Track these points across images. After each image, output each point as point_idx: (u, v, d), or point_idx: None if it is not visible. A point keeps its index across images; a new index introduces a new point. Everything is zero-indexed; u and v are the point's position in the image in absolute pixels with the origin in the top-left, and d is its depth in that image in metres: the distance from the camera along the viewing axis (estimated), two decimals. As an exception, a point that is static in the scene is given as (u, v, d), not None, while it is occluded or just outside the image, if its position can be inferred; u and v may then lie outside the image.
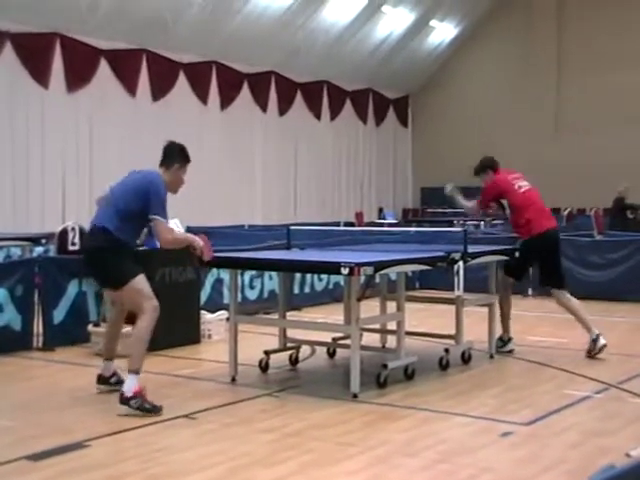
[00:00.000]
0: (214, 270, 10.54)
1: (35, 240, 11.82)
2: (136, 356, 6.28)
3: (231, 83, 23.84)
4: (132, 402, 6.14)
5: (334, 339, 8.36)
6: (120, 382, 6.68)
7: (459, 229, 9.54)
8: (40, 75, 19.08)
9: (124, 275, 6.44)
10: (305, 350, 8.40)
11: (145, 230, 9.24)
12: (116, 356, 7.01)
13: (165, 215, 6.47)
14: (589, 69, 27.14)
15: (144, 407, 6.16)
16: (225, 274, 10.20)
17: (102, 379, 6.92)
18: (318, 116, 27.30)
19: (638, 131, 26.04)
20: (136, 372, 6.24)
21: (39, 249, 11.90)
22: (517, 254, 8.79)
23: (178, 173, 6.76)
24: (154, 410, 6.17)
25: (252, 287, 11.43)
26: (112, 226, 6.47)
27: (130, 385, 6.20)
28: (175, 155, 6.77)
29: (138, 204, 6.46)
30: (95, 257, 6.60)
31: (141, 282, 6.47)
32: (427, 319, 9.98)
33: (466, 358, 8.18)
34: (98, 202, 6.93)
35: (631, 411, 6.43)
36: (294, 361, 8.09)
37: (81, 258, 9.78)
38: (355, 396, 6.68)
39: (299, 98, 26.46)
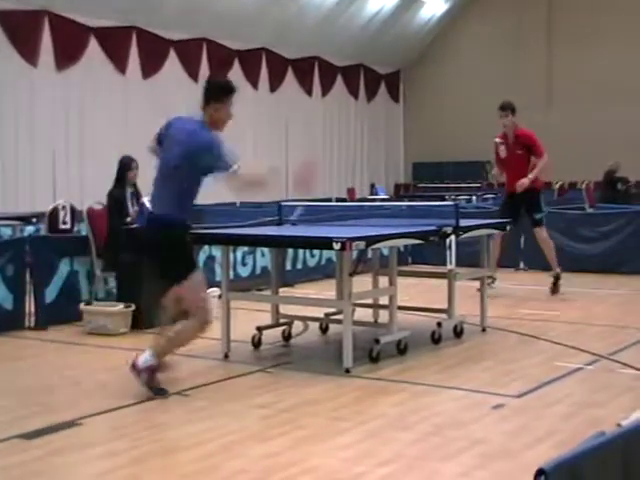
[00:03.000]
0: (206, 247, 10.54)
1: (25, 219, 11.78)
2: None
3: (222, 60, 23.67)
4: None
5: (326, 314, 8.36)
6: None
7: (451, 203, 9.50)
8: (29, 53, 18.92)
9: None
10: (298, 326, 8.41)
11: (136, 207, 9.22)
12: None
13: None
14: (580, 42, 26.98)
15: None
16: (217, 251, 10.19)
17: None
18: (309, 92, 27.19)
19: (629, 105, 25.94)
20: None
21: (30, 228, 11.86)
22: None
23: (222, 111, 6.74)
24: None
25: (244, 264, 11.42)
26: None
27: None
28: (211, 93, 6.72)
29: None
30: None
31: None
32: (419, 294, 9.99)
33: (458, 332, 8.19)
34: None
35: (622, 382, 6.46)
36: (287, 337, 8.10)
37: (71, 237, 9.89)
38: (348, 371, 6.69)
39: (290, 74, 26.33)
